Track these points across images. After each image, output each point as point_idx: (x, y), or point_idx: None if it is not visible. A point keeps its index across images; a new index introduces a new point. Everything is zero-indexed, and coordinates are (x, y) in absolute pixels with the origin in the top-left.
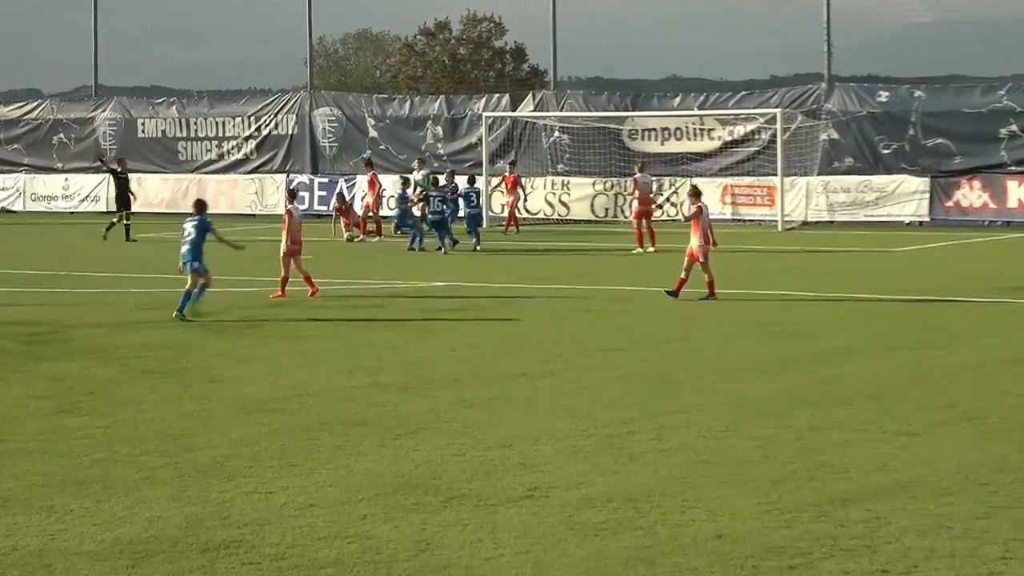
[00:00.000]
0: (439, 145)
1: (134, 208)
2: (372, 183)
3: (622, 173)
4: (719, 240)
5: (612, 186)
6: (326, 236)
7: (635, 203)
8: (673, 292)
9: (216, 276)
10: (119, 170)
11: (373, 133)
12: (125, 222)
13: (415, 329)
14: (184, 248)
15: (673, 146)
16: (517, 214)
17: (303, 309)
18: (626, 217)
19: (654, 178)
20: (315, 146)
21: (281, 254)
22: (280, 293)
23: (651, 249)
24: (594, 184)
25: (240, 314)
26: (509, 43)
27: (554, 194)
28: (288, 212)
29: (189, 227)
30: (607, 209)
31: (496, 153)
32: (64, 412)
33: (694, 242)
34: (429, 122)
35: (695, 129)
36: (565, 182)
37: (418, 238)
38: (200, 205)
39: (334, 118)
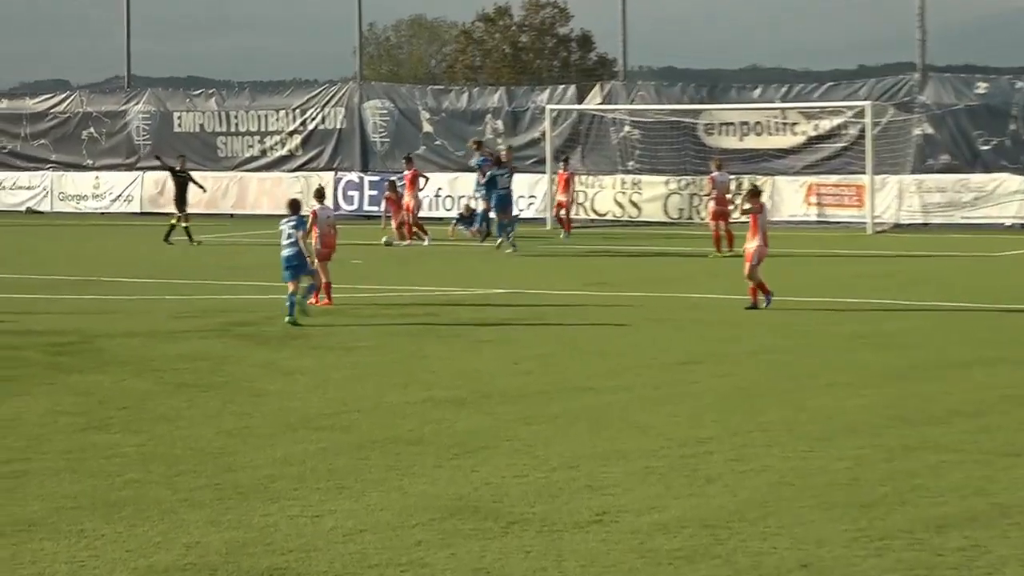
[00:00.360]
0: (499, 140)
1: (190, 208)
2: (412, 182)
3: (697, 171)
4: (800, 244)
5: (687, 185)
6: (374, 239)
7: (711, 203)
8: (753, 305)
9: (258, 282)
10: (178, 168)
11: (428, 127)
12: (184, 224)
13: (473, 339)
14: (288, 252)
15: (753, 142)
16: (564, 215)
17: (352, 318)
18: (702, 218)
19: (732, 177)
20: (365, 142)
21: (314, 261)
22: (326, 300)
23: (729, 253)
24: (667, 183)
25: (283, 323)
26: (575, 30)
27: (624, 194)
28: (313, 213)
29: (288, 228)
30: (681, 210)
31: (560, 149)
32: (94, 428)
33: (751, 244)
34: (488, 115)
35: (777, 123)
36: (636, 181)
37: (510, 230)
38: (295, 205)
39: (385, 111)
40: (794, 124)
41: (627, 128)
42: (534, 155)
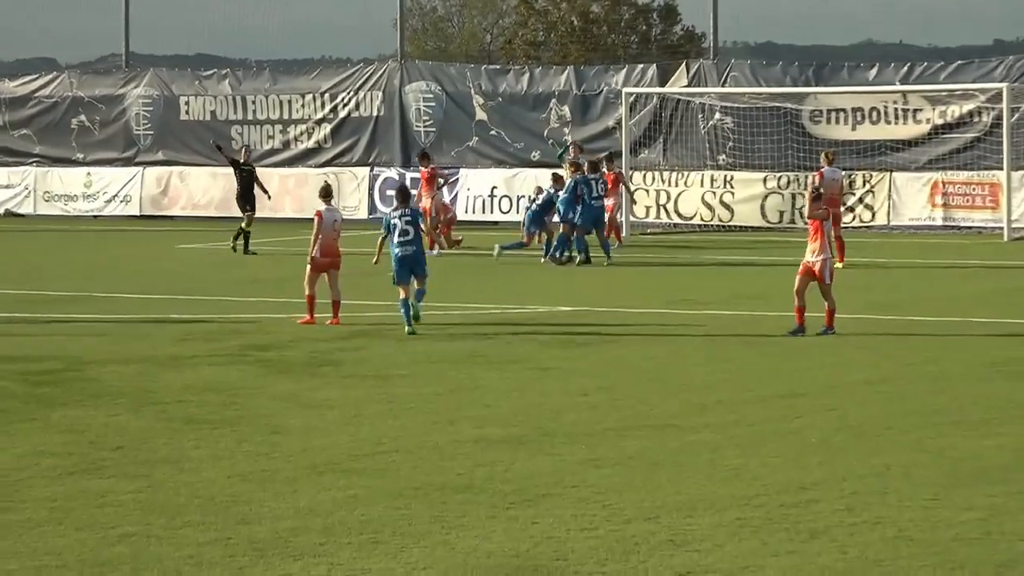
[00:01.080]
0: (566, 130)
1: (257, 210)
2: (429, 182)
3: (802, 166)
4: (922, 253)
5: (788, 183)
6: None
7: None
8: (798, 329)
9: (278, 298)
10: (242, 161)
11: (481, 115)
12: (246, 228)
13: (533, 367)
14: (404, 250)
15: (867, 131)
16: (617, 220)
17: (389, 341)
18: (806, 223)
19: (844, 173)
20: (407, 132)
21: (307, 269)
22: (308, 318)
23: (839, 264)
24: (765, 180)
25: (310, 347)
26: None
27: (714, 193)
28: (318, 215)
29: (402, 223)
30: (782, 213)
31: (640, 141)
32: (84, 472)
33: (811, 255)
34: (553, 100)
35: (896, 110)
36: (728, 178)
37: (562, 248)
38: (404, 194)
39: (431, 95)
40: (917, 111)
41: (718, 115)
42: (607, 147)
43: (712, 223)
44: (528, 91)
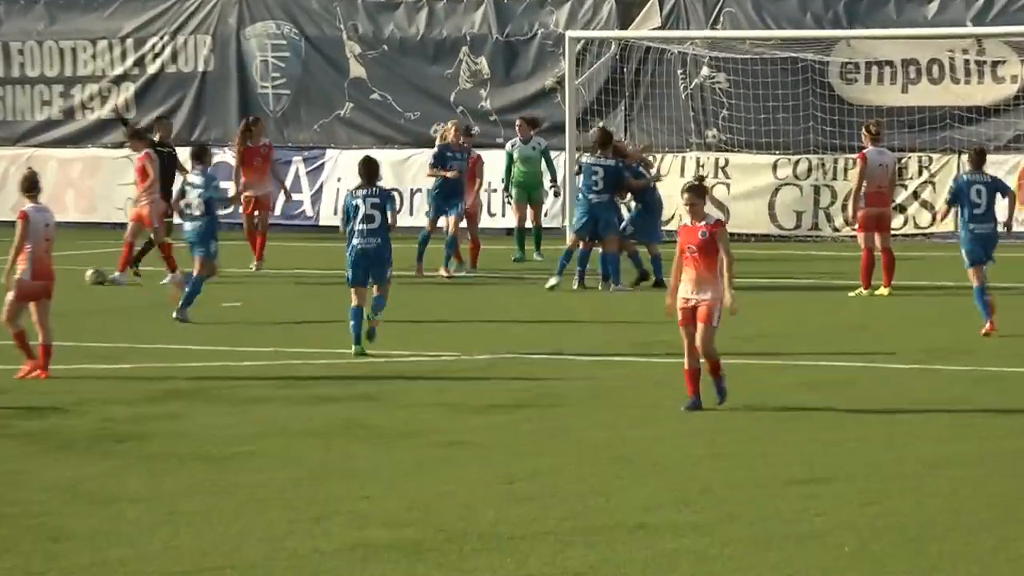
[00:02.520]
0: (483, 92)
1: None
2: (473, 172)
3: (829, 145)
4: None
5: (810, 170)
6: (267, 264)
7: (860, 201)
8: (693, 403)
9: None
10: (158, 139)
11: (357, 70)
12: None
13: (437, 442)
14: (365, 242)
15: (925, 94)
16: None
17: (225, 406)
18: (836, 230)
19: (896, 155)
20: (247, 95)
21: (8, 297)
22: (27, 368)
23: (883, 291)
24: (775, 167)
25: (101, 413)
26: None
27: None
28: (23, 217)
29: (367, 206)
30: (799, 215)
31: (591, 108)
32: None
33: (693, 289)
34: (464, 49)
35: (969, 62)
36: (721, 163)
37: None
38: (372, 168)
39: (284, 42)
40: (997, 63)
41: (706, 71)
42: (544, 116)
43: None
44: (427, 35)
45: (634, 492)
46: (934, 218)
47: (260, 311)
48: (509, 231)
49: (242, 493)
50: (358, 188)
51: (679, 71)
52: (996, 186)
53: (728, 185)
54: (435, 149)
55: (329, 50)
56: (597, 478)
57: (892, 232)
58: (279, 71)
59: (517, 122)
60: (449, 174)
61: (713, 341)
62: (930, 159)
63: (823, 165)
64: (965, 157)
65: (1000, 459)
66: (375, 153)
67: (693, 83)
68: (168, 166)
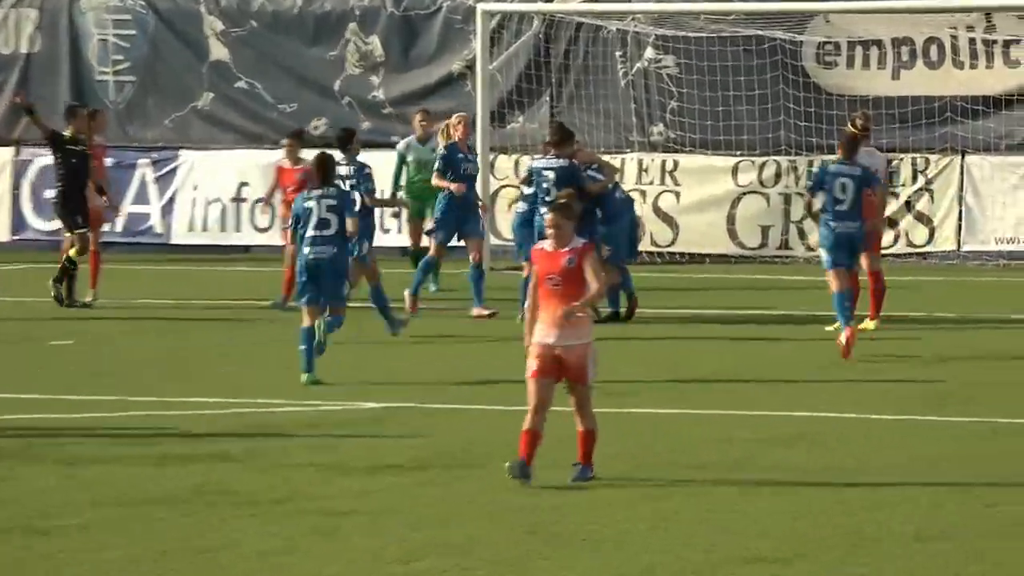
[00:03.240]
0: (375, 79)
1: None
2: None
3: (803, 144)
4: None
5: (779, 175)
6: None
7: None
8: (521, 469)
9: None
10: (69, 135)
11: (219, 51)
12: (76, 256)
13: (319, 511)
14: (314, 252)
15: (921, 81)
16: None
17: (47, 466)
18: (811, 249)
19: (885, 156)
20: (82, 83)
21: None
22: None
23: (870, 324)
24: (736, 170)
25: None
26: None
27: (643, 194)
28: None
29: (321, 209)
30: (767, 229)
31: (509, 99)
32: None
33: (550, 333)
34: (352, 26)
35: (975, 42)
36: (669, 166)
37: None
38: (327, 167)
39: (128, 17)
40: (1009, 43)
41: (651, 53)
42: (451, 109)
43: (640, 249)
44: (305, 8)
45: (561, 574)
46: (809, 208)
47: (96, 351)
48: (405, 251)
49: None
50: (313, 188)
51: (618, 53)
52: (865, 179)
53: (677, 194)
54: (441, 151)
55: (184, 27)
56: (515, 555)
57: (882, 252)
58: (122, 53)
59: (416, 116)
60: (453, 187)
61: (591, 401)
62: (927, 161)
63: (795, 169)
64: (972, 158)
65: (1002, 528)
66: (240, 155)
67: (635, 68)
68: (79, 167)
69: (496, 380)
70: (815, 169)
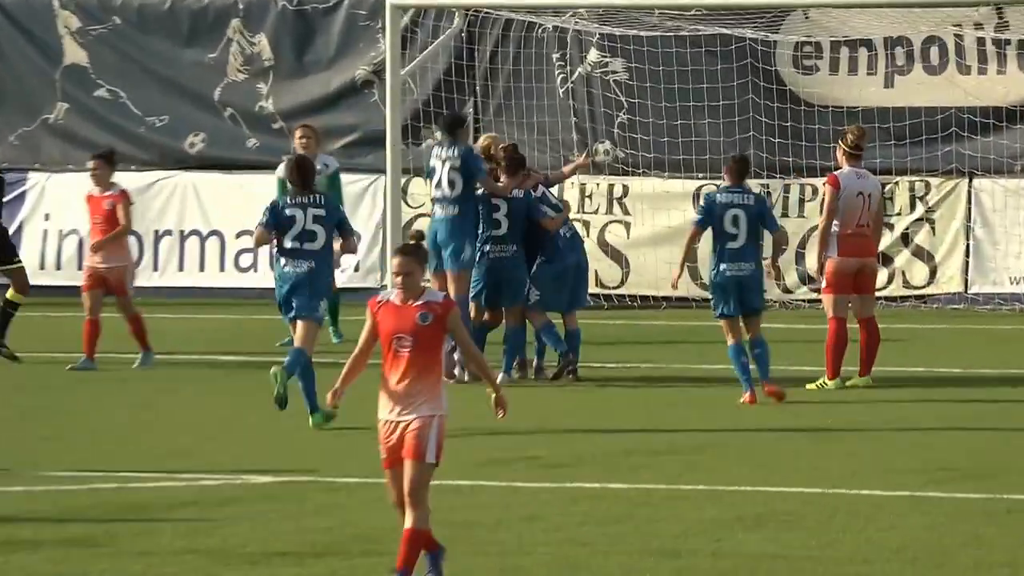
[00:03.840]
0: (263, 87)
1: None
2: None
3: (779, 166)
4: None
5: (751, 200)
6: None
7: (829, 248)
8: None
9: None
10: None
11: (76, 54)
12: (13, 298)
13: None
14: (292, 266)
15: (919, 89)
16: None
17: None
18: (787, 291)
19: (882, 179)
20: None
21: None
22: None
23: (860, 381)
24: (698, 196)
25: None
26: None
27: (585, 226)
28: None
29: (306, 218)
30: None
31: (427, 112)
32: None
33: (385, 414)
34: (235, 23)
35: (981, 41)
36: (618, 191)
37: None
38: (305, 171)
39: None
40: None
41: (595, 57)
42: (354, 121)
43: (595, 294)
44: (179, 2)
45: None
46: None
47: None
48: None
49: None
50: (293, 195)
51: (555, 56)
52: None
53: (627, 225)
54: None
55: (32, 24)
56: None
57: (878, 292)
58: None
59: (295, 132)
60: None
61: (427, 487)
62: (927, 186)
63: (768, 195)
64: (981, 182)
65: None
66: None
67: (576, 74)
68: None
69: None
70: (702, 199)
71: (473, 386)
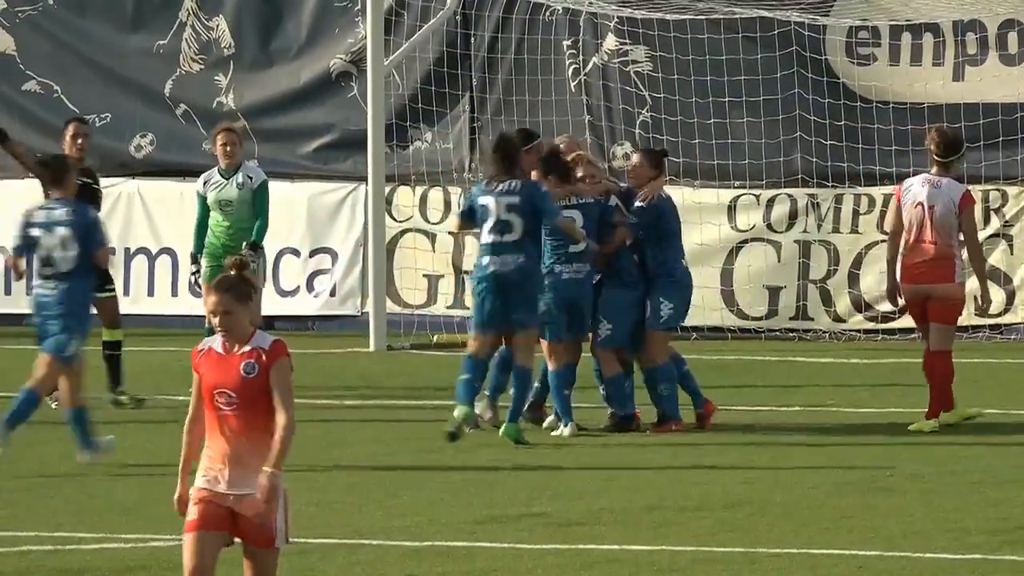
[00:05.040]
0: (221, 80)
1: None
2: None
3: (831, 172)
4: None
5: (796, 213)
6: None
7: (897, 276)
8: None
9: None
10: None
11: (3, 42)
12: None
13: None
14: (46, 290)
15: (994, 82)
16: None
17: None
18: (840, 319)
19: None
20: None
21: None
22: None
23: (929, 425)
24: (734, 208)
25: None
26: None
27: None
28: None
29: (499, 206)
30: (777, 291)
31: (414, 110)
32: None
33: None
34: (190, 8)
35: None
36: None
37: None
38: (62, 169)
39: None
40: None
41: (613, 44)
42: (327, 121)
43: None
44: None
45: None
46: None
47: None
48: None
49: None
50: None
51: (566, 43)
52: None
53: None
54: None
55: None
56: None
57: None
58: None
59: (219, 137)
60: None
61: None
62: (1003, 196)
63: (816, 207)
64: None
65: None
66: (32, 186)
67: (590, 64)
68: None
69: (397, 504)
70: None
71: (469, 435)
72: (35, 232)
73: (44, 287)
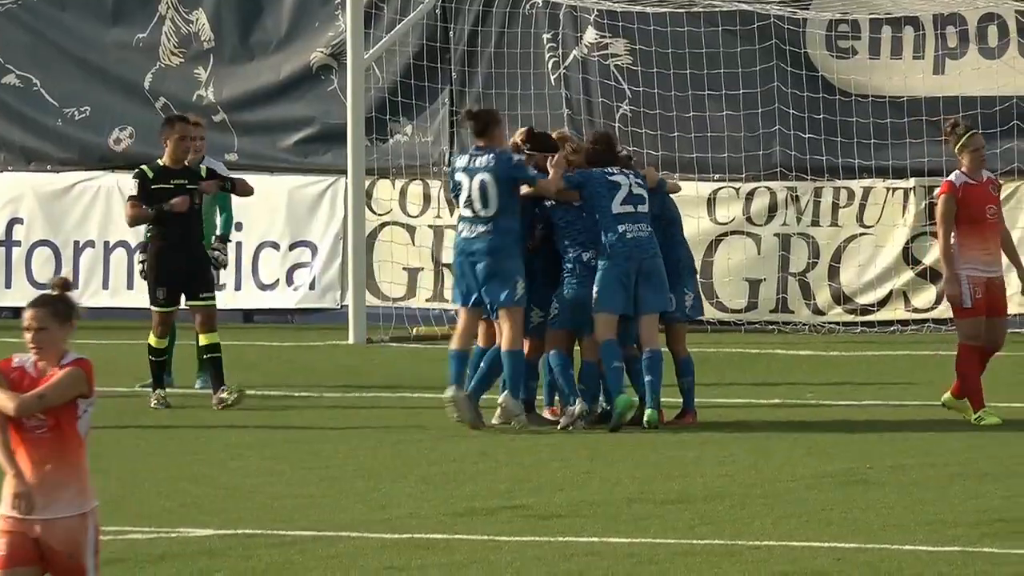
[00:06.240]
0: (201, 73)
1: None
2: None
3: (810, 165)
4: None
5: (776, 206)
6: None
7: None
8: None
9: None
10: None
11: None
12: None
13: None
14: (633, 232)
15: (975, 75)
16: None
17: None
18: (819, 312)
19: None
20: None
21: None
22: None
23: (970, 417)
24: (713, 201)
25: None
26: None
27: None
28: None
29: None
30: (757, 284)
31: (394, 103)
32: None
33: None
34: (166, 1)
35: None
36: None
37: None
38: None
39: None
40: None
41: (593, 37)
42: (307, 114)
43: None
44: None
45: None
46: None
47: None
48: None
49: None
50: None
51: (546, 36)
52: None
53: None
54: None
55: None
56: None
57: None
58: None
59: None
60: None
61: None
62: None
63: (796, 200)
64: None
65: None
66: (10, 180)
67: (570, 58)
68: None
69: (376, 497)
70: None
71: (449, 427)
72: None
73: None
